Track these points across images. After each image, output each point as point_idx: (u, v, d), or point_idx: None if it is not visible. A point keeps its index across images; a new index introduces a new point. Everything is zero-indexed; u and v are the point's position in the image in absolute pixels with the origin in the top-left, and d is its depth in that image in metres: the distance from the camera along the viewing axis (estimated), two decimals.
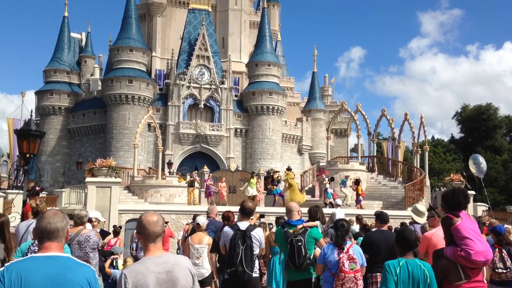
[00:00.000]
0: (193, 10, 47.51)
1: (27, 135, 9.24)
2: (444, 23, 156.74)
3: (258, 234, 5.61)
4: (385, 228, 6.20)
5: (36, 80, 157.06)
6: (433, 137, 65.24)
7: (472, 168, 24.66)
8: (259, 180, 22.80)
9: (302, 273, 5.51)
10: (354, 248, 5.07)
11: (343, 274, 4.85)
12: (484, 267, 4.30)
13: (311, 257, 5.50)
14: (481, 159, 25.34)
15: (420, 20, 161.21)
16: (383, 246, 5.68)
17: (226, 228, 5.76)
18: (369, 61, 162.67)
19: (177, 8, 51.31)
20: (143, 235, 2.97)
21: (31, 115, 10.63)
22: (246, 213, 5.78)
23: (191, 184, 23.42)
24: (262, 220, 9.96)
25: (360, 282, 4.87)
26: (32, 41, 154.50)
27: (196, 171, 28.20)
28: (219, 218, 8.32)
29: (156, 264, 2.86)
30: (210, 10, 48.47)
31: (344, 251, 4.94)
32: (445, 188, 20.94)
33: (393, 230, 7.87)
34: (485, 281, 4.23)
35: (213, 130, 44.43)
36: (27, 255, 4.56)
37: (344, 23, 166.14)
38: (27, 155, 9.22)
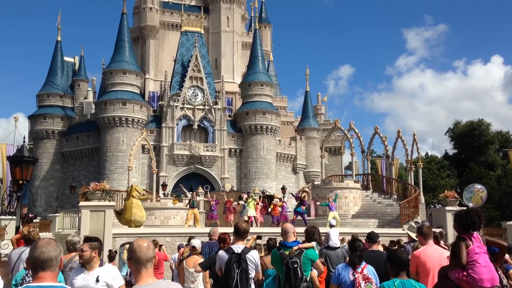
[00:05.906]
0: (185, 32, 47.98)
1: (20, 161, 9.25)
2: (430, 39, 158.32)
3: (254, 257, 5.59)
4: (375, 247, 6.20)
5: (28, 104, 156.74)
6: (426, 153, 65.50)
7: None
8: (257, 200, 22.13)
9: None
10: (368, 269, 5.05)
11: None
12: None
13: (308, 278, 5.50)
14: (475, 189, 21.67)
15: (405, 36, 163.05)
16: (374, 266, 5.70)
17: (221, 252, 5.75)
18: (357, 78, 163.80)
19: (170, 31, 51.82)
20: (134, 259, 2.99)
21: (24, 141, 10.64)
22: (240, 234, 5.78)
23: (192, 205, 21.98)
24: (258, 241, 9.89)
25: None
26: (24, 66, 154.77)
27: (195, 192, 27.44)
28: None
29: None
30: (202, 32, 48.99)
31: (359, 271, 4.91)
32: (439, 205, 20.92)
33: (383, 249, 7.88)
34: None
35: (207, 150, 44.45)
36: (21, 285, 4.53)
37: (332, 42, 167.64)
38: (20, 182, 9.22)
